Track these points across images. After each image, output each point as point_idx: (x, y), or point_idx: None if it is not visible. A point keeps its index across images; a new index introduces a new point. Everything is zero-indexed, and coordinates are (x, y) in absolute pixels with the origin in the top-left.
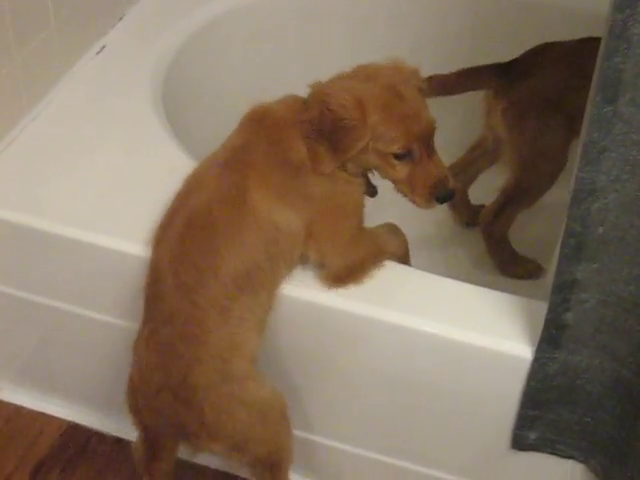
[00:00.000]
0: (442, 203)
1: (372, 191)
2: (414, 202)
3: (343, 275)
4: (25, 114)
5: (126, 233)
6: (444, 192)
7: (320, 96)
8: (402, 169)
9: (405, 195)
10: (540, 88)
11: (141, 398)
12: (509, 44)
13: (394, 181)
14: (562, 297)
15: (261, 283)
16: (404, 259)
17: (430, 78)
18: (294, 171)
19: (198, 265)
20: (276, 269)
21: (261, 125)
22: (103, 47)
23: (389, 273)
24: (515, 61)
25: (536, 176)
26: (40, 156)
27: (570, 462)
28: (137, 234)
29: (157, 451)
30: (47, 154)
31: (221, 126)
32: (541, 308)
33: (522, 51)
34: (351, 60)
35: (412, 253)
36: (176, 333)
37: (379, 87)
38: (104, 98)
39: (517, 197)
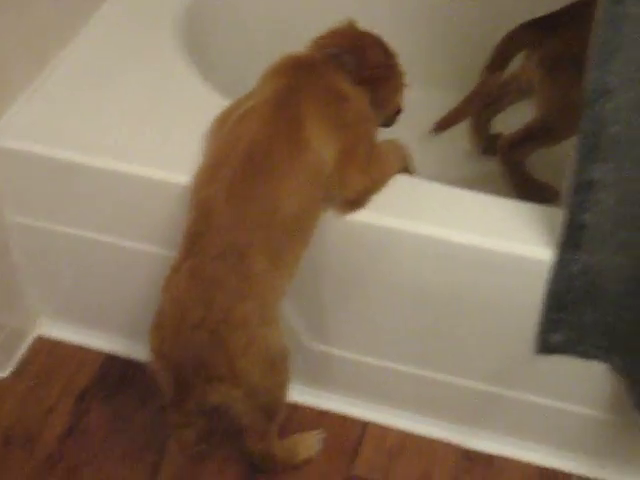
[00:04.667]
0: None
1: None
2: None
3: (359, 198)
4: (55, 54)
5: (158, 162)
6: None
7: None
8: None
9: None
10: (575, 42)
11: (172, 334)
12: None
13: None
14: (580, 198)
15: (307, 231)
16: (408, 171)
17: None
18: (337, 102)
19: (259, 204)
20: (317, 212)
21: (300, 68)
22: None
23: (411, 186)
24: (552, 15)
25: (562, 124)
26: (71, 95)
27: (593, 363)
28: (169, 163)
29: (186, 389)
30: (76, 93)
31: (243, 61)
32: (559, 214)
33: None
34: None
35: (430, 174)
36: (226, 269)
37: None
38: (128, 39)
39: (539, 136)
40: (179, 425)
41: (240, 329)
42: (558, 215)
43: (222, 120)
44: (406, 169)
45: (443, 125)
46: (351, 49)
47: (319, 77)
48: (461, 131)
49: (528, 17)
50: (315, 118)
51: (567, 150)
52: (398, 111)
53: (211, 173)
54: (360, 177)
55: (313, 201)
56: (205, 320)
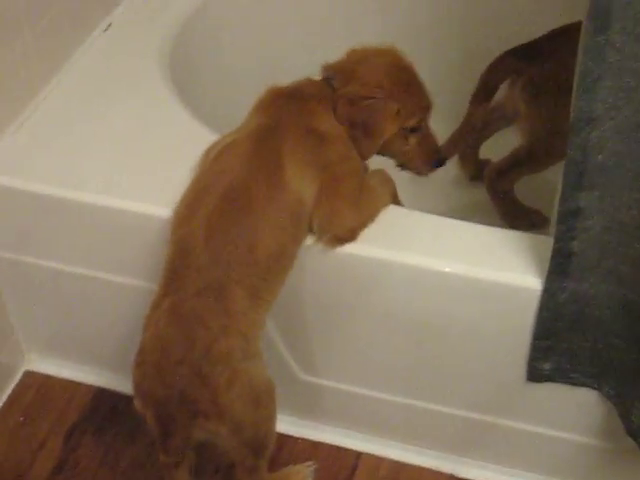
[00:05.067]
0: (437, 168)
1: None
2: (417, 171)
3: (349, 235)
4: (38, 90)
5: (144, 196)
6: (441, 158)
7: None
8: (413, 141)
9: (406, 166)
10: (560, 69)
11: (154, 371)
12: (501, 27)
13: (402, 153)
14: (567, 226)
15: (285, 267)
16: (395, 202)
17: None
18: (320, 142)
19: (237, 243)
20: (296, 249)
21: (286, 102)
22: (110, 25)
23: (400, 217)
24: (536, 41)
25: (548, 150)
26: (56, 129)
27: (584, 390)
28: (155, 196)
29: (170, 427)
30: (63, 127)
31: (229, 97)
32: (547, 242)
33: (513, 34)
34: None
35: (418, 205)
36: (206, 306)
37: (389, 65)
38: (114, 72)
39: (526, 163)
40: (169, 466)
41: (222, 364)
42: (546, 243)
43: (208, 154)
44: (394, 199)
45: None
46: (342, 71)
47: (300, 115)
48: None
49: (514, 44)
50: (294, 159)
51: (554, 177)
52: (438, 162)
53: (190, 210)
54: (350, 214)
55: (292, 240)
56: (187, 356)
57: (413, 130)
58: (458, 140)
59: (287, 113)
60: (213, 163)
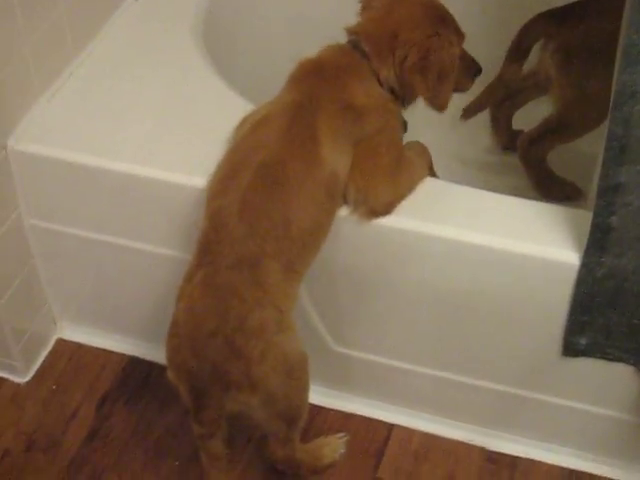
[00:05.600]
0: (476, 78)
1: (405, 125)
2: (463, 88)
3: (385, 208)
4: (72, 59)
5: (178, 165)
6: (478, 68)
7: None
8: (460, 64)
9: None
10: (590, 34)
11: (187, 343)
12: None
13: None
14: (607, 201)
15: (319, 241)
16: (430, 174)
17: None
18: (356, 117)
19: (272, 217)
20: (330, 223)
21: (319, 76)
22: None
23: (437, 189)
24: (568, 6)
25: (579, 117)
26: (90, 98)
27: (620, 365)
28: (189, 166)
29: (204, 399)
30: (96, 96)
31: (263, 66)
32: (585, 216)
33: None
34: None
35: (453, 176)
36: (242, 278)
37: (421, 5)
38: (148, 41)
39: (558, 131)
40: (203, 436)
41: (256, 337)
42: (584, 217)
43: (243, 125)
44: (430, 171)
45: (469, 113)
46: (367, 32)
47: (334, 91)
48: (483, 127)
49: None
50: (330, 135)
51: (589, 148)
52: (476, 71)
53: (225, 183)
54: (388, 188)
55: (326, 214)
56: (220, 328)
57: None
58: (489, 96)
59: (321, 89)
60: (248, 136)
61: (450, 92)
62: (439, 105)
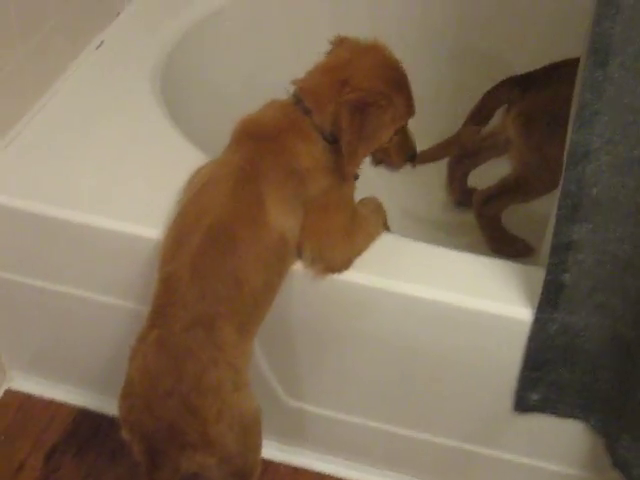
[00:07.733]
0: (409, 162)
1: (356, 175)
2: (393, 166)
3: (342, 265)
4: (30, 107)
5: (134, 216)
6: (414, 153)
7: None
8: (395, 139)
9: (383, 162)
10: (552, 101)
11: (143, 403)
12: (493, 29)
13: (382, 151)
14: (560, 258)
15: (271, 299)
16: (384, 228)
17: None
18: (300, 180)
19: (223, 279)
20: (279, 283)
21: (260, 138)
22: (102, 42)
23: (391, 245)
24: (532, 73)
25: (536, 180)
26: (47, 147)
27: (571, 421)
28: (143, 217)
29: (159, 458)
30: (53, 145)
31: (221, 116)
32: (538, 273)
33: (506, 36)
34: None
35: (406, 231)
36: (196, 339)
37: (381, 66)
38: (106, 90)
39: (514, 191)
40: None
41: (213, 396)
42: (537, 274)
43: (192, 182)
44: (384, 226)
45: (420, 159)
46: (314, 88)
47: (276, 152)
48: (438, 182)
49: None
50: (275, 199)
51: (541, 207)
52: (412, 154)
53: (175, 248)
54: (344, 247)
55: (277, 274)
56: (176, 388)
57: (398, 130)
58: (444, 150)
59: (262, 154)
60: (194, 200)
61: (366, 155)
62: (348, 154)
